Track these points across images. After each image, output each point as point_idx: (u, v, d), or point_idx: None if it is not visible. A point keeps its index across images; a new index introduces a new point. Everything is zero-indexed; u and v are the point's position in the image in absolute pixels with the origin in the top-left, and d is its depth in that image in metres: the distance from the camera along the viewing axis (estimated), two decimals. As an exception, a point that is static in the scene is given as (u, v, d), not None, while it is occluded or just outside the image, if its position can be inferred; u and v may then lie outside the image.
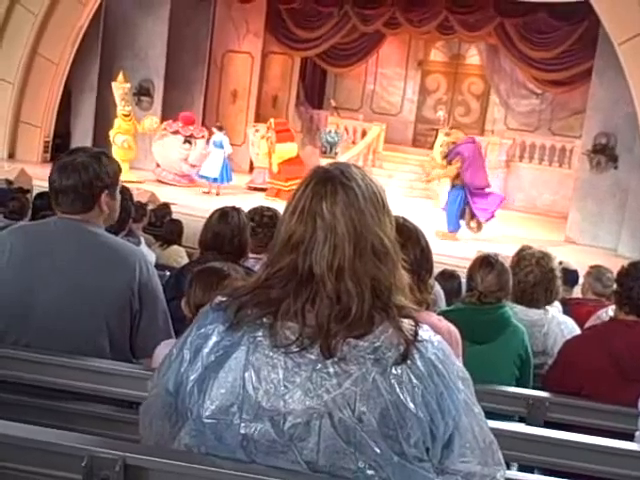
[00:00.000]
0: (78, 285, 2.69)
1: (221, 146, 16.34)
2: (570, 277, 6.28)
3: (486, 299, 3.56)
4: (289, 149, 16.58)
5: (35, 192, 9.41)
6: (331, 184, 1.52)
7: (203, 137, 17.17)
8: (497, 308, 3.58)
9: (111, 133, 16.38)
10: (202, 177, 16.48)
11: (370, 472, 1.43)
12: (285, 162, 16.19)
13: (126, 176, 14.86)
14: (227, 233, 3.79)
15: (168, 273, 4.71)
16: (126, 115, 16.24)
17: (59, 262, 2.70)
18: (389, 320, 1.48)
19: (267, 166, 17.10)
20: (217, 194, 16.06)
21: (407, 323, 1.50)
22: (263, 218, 4.14)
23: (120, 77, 16.46)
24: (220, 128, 16.72)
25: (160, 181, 17.01)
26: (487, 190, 14.43)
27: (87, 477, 1.55)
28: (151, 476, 1.54)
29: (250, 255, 3.99)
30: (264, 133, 16.70)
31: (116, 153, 15.17)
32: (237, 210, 3.95)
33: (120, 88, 16.35)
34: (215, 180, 16.33)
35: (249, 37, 19.81)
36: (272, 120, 17.07)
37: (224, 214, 3.87)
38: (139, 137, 16.80)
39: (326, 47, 19.75)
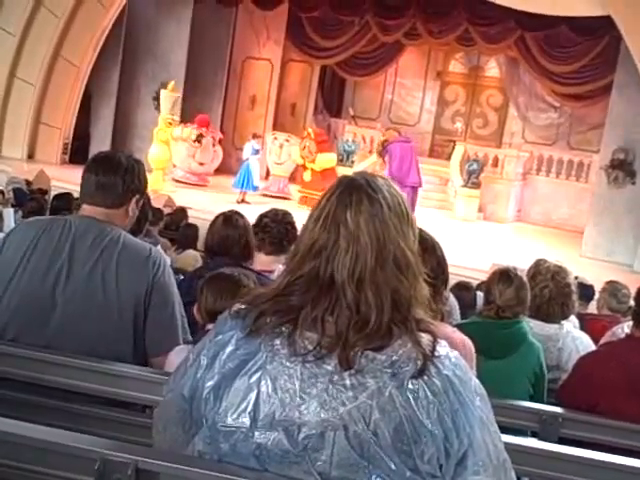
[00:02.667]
0: (97, 288, 2.69)
1: (257, 153, 16.49)
2: (586, 292, 6.25)
3: (504, 314, 3.53)
4: (329, 159, 16.80)
5: (53, 193, 9.48)
6: (356, 193, 1.51)
7: (213, 138, 17.54)
8: (514, 323, 3.55)
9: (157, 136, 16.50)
10: (245, 188, 16.40)
11: None
12: (322, 171, 16.26)
13: (161, 185, 15.18)
14: (234, 236, 3.92)
15: (182, 277, 4.72)
16: (170, 123, 16.43)
17: (78, 263, 2.70)
18: (408, 334, 1.47)
19: (285, 174, 17.26)
20: (242, 200, 15.99)
21: (425, 338, 1.49)
22: (277, 216, 4.19)
23: (170, 86, 16.60)
24: (255, 136, 16.82)
25: (174, 179, 17.23)
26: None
27: (99, 480, 1.56)
28: (163, 481, 1.54)
29: (263, 257, 4.02)
30: (305, 143, 16.76)
31: (156, 159, 15.44)
32: (238, 213, 4.12)
33: (171, 97, 16.53)
34: (255, 188, 16.37)
35: (269, 44, 19.90)
36: (310, 130, 17.22)
37: (228, 218, 4.02)
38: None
39: (346, 56, 19.81)
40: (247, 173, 16.27)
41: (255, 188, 16.41)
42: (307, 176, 16.46)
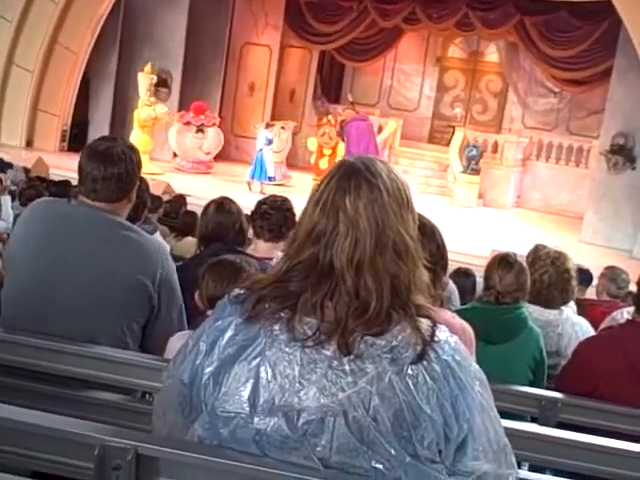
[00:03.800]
0: (100, 277, 2.67)
1: (270, 143, 16.44)
2: (583, 277, 6.24)
3: (504, 299, 3.52)
4: None
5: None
6: (355, 178, 1.50)
7: (214, 125, 17.55)
8: (514, 308, 3.54)
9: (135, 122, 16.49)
10: (261, 179, 16.32)
11: (382, 471, 1.41)
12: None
13: (146, 168, 15.08)
14: (228, 222, 3.94)
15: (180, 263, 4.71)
16: (148, 106, 16.39)
17: (84, 252, 2.69)
18: (407, 319, 1.47)
19: (282, 160, 17.32)
20: (249, 187, 15.95)
21: (425, 323, 1.48)
22: (276, 202, 4.18)
23: (147, 68, 16.58)
24: (268, 125, 16.80)
25: (180, 170, 17.23)
26: None
27: (99, 465, 1.55)
28: (162, 466, 1.54)
29: (262, 244, 4.02)
30: (325, 129, 16.75)
31: (137, 143, 15.33)
32: (228, 199, 4.13)
33: (147, 78, 16.49)
34: (270, 179, 16.26)
35: (268, 30, 19.82)
36: (330, 117, 17.28)
37: (220, 204, 4.03)
38: (156, 128, 16.91)
39: (345, 41, 19.73)
40: (261, 164, 16.18)
41: (270, 179, 16.30)
42: (324, 163, 16.47)
